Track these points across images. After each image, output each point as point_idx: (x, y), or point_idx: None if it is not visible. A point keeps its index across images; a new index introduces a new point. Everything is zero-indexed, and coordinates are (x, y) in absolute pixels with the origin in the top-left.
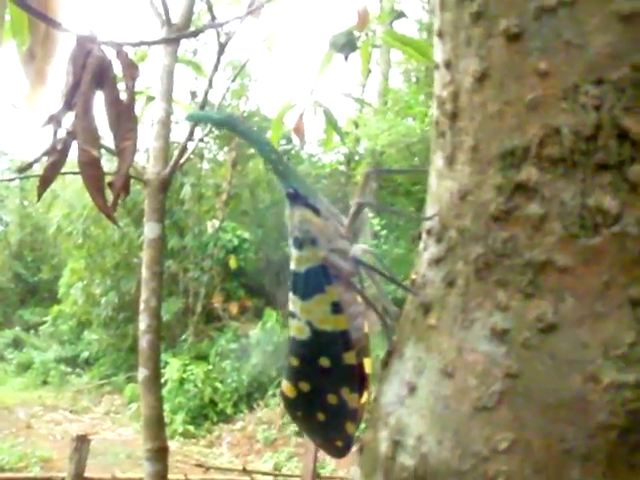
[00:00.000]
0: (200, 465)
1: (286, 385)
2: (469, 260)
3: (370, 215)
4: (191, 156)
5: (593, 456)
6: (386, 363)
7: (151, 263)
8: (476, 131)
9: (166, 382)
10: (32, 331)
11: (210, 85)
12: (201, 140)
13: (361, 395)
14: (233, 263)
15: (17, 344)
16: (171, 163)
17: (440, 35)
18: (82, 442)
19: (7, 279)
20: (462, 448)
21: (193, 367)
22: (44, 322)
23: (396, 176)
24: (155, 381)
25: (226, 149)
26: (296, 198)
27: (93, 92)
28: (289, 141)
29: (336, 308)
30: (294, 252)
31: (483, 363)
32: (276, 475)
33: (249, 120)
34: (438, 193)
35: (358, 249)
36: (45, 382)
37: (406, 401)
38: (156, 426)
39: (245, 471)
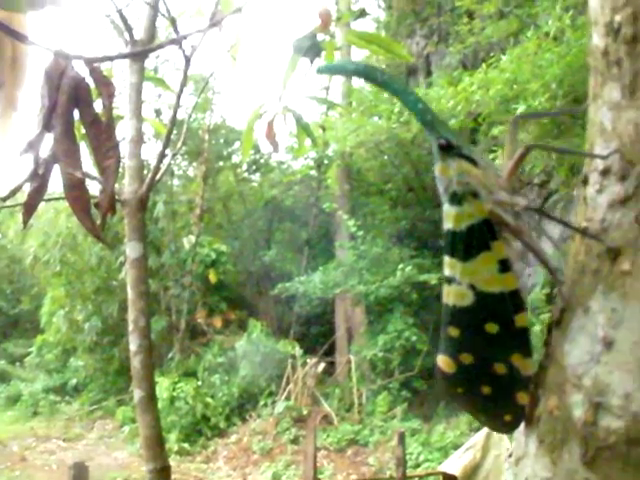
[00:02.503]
0: None
1: (444, 360)
2: None
3: (345, 217)
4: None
5: None
6: (559, 322)
7: (136, 283)
8: None
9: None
10: (17, 363)
11: (178, 100)
12: (173, 157)
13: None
14: (213, 277)
15: (3, 378)
16: (147, 181)
17: None
18: (80, 470)
19: None
20: None
21: (182, 384)
22: (29, 353)
23: (367, 176)
24: (151, 401)
25: (195, 164)
26: (450, 149)
27: (71, 113)
28: (257, 150)
29: (504, 266)
30: (452, 209)
31: None
32: None
33: (216, 133)
34: (616, 128)
35: (523, 199)
36: (36, 413)
37: (602, 358)
38: (156, 446)
39: None
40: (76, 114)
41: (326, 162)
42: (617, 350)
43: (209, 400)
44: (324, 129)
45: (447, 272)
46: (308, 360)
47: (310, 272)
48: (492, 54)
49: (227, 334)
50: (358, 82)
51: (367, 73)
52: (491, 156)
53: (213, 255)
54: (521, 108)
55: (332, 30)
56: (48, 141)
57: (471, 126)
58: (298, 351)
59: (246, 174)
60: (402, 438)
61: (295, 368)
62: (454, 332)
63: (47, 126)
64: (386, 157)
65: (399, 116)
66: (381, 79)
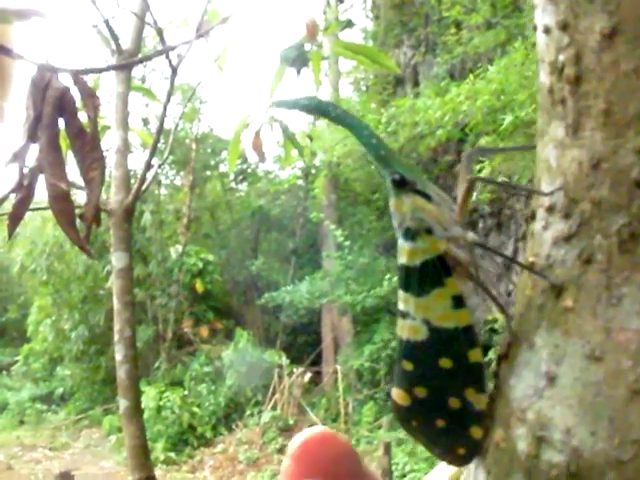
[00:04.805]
0: None
1: (398, 393)
2: (610, 232)
3: (332, 227)
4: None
5: None
6: (506, 355)
7: (122, 293)
8: (608, 92)
9: (143, 411)
10: (4, 372)
11: (165, 110)
12: (160, 166)
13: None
14: (199, 286)
15: None
16: (133, 191)
17: None
18: (66, 479)
19: None
20: (620, 436)
21: (169, 394)
22: (15, 362)
23: (355, 186)
24: (136, 411)
25: (182, 173)
26: (403, 184)
27: (56, 124)
28: (244, 160)
29: (458, 302)
30: (406, 245)
31: (638, 341)
32: None
33: (203, 142)
34: (561, 166)
35: (473, 235)
36: (22, 422)
37: (546, 393)
38: (141, 455)
39: None
40: (61, 124)
41: (313, 172)
42: (559, 385)
43: (196, 409)
44: (311, 139)
45: (401, 306)
46: (294, 370)
47: (297, 282)
48: (479, 64)
49: (214, 343)
50: (345, 92)
51: (320, 108)
52: (478, 166)
53: (200, 264)
54: (508, 119)
55: (319, 40)
56: (34, 152)
57: (458, 136)
58: (284, 361)
59: (233, 184)
60: (388, 448)
61: (281, 378)
62: (408, 366)
63: (32, 137)
64: (373, 167)
65: (386, 126)
66: (334, 114)
